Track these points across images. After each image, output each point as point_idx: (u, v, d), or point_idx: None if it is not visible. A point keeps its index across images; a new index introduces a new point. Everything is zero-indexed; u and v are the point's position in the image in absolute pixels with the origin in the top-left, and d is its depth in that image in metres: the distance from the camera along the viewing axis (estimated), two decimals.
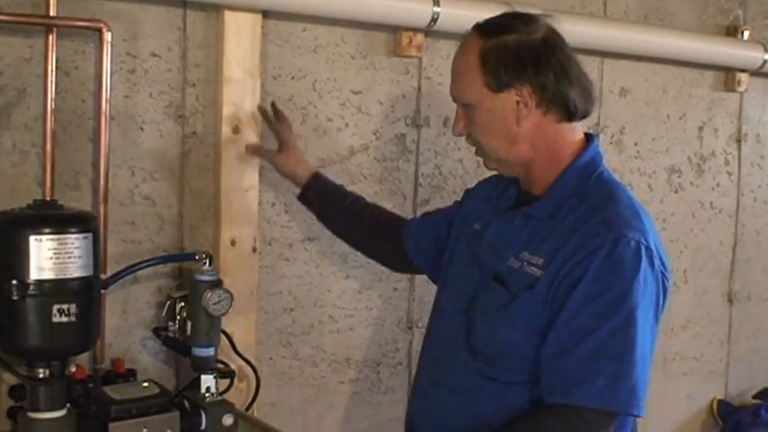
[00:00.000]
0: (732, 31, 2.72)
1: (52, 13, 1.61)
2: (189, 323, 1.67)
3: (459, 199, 1.85)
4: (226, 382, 1.72)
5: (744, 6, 2.76)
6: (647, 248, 1.46)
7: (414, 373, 1.78)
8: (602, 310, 1.43)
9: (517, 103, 1.51)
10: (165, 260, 1.77)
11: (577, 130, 1.58)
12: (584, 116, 1.57)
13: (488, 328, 1.54)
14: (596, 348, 1.42)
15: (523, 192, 1.62)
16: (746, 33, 2.72)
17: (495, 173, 1.68)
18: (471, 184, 2.21)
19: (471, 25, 1.57)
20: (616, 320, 1.42)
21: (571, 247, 1.46)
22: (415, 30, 2.04)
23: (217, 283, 1.65)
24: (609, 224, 1.46)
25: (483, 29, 1.55)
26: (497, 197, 1.68)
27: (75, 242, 1.37)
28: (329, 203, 1.89)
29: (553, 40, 1.53)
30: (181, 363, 1.83)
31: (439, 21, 1.99)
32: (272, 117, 1.87)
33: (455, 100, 1.60)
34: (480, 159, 1.63)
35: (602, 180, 1.57)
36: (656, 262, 1.48)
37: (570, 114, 1.54)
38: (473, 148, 2.20)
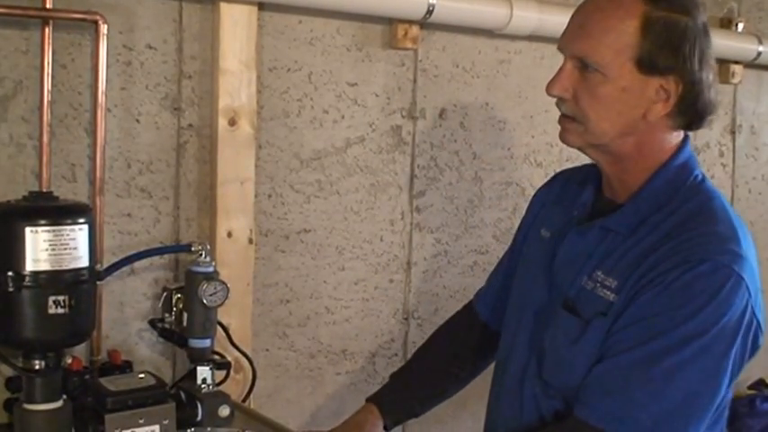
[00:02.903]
0: (726, 24, 2.73)
1: (48, 5, 1.61)
2: (185, 315, 1.68)
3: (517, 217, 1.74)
4: (222, 373, 1.72)
5: None
6: (738, 278, 1.23)
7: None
8: (649, 330, 1.23)
9: (657, 93, 1.29)
10: (161, 252, 1.78)
11: (681, 133, 1.37)
12: (707, 125, 1.38)
13: (562, 363, 1.35)
14: (627, 366, 1.25)
15: (601, 196, 1.42)
16: (741, 25, 2.72)
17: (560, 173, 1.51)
18: (467, 176, 2.25)
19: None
20: (658, 345, 1.23)
21: (647, 265, 1.26)
22: (411, 22, 2.04)
23: (213, 275, 1.66)
24: (697, 244, 1.25)
25: None
26: (570, 201, 1.48)
27: (71, 234, 1.37)
28: (416, 402, 1.68)
29: (710, 32, 1.32)
30: (177, 354, 1.84)
31: (434, 13, 1.99)
32: None
33: (571, 54, 1.33)
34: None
35: (697, 189, 1.35)
36: (746, 296, 1.24)
37: (699, 122, 1.35)
38: (470, 141, 2.24)
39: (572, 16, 1.36)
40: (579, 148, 1.39)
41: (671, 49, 1.27)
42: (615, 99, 1.29)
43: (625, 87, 1.28)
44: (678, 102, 1.30)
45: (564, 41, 1.35)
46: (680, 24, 1.27)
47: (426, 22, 2.05)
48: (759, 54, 2.68)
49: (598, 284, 1.32)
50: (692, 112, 1.32)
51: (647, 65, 1.27)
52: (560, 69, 1.34)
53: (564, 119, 1.37)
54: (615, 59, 1.27)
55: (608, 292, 1.30)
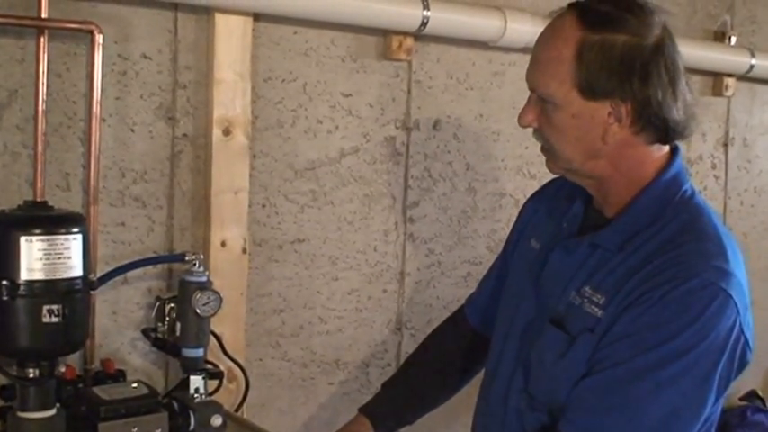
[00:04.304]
0: (720, 37, 2.75)
1: (44, 15, 1.62)
2: (178, 324, 1.68)
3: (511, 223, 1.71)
4: (215, 382, 1.72)
5: (731, 12, 2.79)
6: (726, 296, 1.22)
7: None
8: (635, 347, 1.23)
9: (609, 115, 1.28)
10: (154, 261, 1.78)
11: (665, 146, 1.35)
12: (682, 138, 1.34)
13: (548, 378, 1.36)
14: (612, 383, 1.25)
15: (591, 209, 1.42)
16: (734, 39, 2.75)
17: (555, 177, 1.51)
18: (461, 187, 2.25)
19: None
20: (643, 362, 1.22)
21: (635, 282, 1.26)
22: (405, 33, 2.05)
23: (206, 285, 1.66)
24: (684, 261, 1.24)
25: (586, 15, 1.28)
26: (561, 213, 1.47)
27: (65, 243, 1.37)
28: (407, 410, 1.70)
29: (666, 47, 1.28)
30: (170, 364, 1.84)
31: (429, 25, 2.00)
32: None
33: (529, 87, 1.36)
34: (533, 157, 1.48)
35: (686, 204, 1.33)
36: (734, 313, 1.23)
37: (667, 138, 1.32)
38: (464, 152, 2.25)
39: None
40: (561, 175, 1.42)
41: (607, 72, 1.26)
42: (570, 126, 1.30)
43: (575, 114, 1.29)
44: (634, 121, 1.28)
45: (526, 74, 1.37)
46: (616, 46, 1.26)
47: (421, 34, 2.06)
48: (752, 67, 2.70)
49: (586, 300, 1.31)
50: (652, 129, 1.30)
51: (588, 91, 1.27)
52: (526, 101, 1.37)
53: (541, 148, 1.39)
54: (559, 89, 1.29)
55: (595, 308, 1.29)
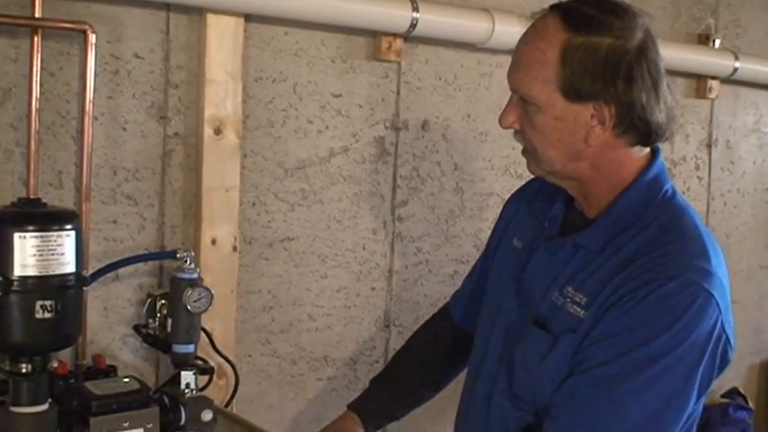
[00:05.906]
0: (704, 40, 2.79)
1: (38, 14, 1.63)
2: (169, 320, 1.69)
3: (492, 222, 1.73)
4: (205, 378, 1.74)
5: (715, 15, 2.82)
6: (708, 295, 1.23)
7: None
8: (618, 348, 1.23)
9: (592, 117, 1.28)
10: (146, 258, 1.80)
11: (646, 147, 1.35)
12: (663, 140, 1.34)
13: (532, 378, 1.35)
14: (595, 383, 1.25)
15: (573, 209, 1.42)
16: (717, 42, 2.79)
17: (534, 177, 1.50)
18: (448, 187, 2.28)
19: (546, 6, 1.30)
20: (626, 362, 1.23)
21: (617, 282, 1.26)
22: (395, 35, 2.08)
23: (197, 281, 1.68)
24: (667, 261, 1.24)
25: (569, 17, 1.27)
26: (542, 212, 1.47)
27: (58, 240, 1.38)
28: (395, 406, 1.72)
29: (649, 50, 1.28)
30: (161, 360, 1.86)
31: (418, 26, 2.03)
32: None
33: (510, 88, 1.36)
34: (520, 160, 1.42)
35: (667, 205, 1.34)
36: (715, 313, 1.24)
37: (649, 140, 1.32)
38: (452, 152, 2.28)
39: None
40: (542, 177, 1.41)
41: (592, 74, 1.25)
42: (552, 128, 1.29)
43: (557, 116, 1.28)
44: (617, 123, 1.28)
45: (507, 75, 1.36)
46: (600, 49, 1.25)
47: (410, 36, 2.08)
48: (735, 70, 2.74)
49: (568, 300, 1.31)
50: (635, 131, 1.30)
51: (571, 93, 1.27)
52: (507, 102, 1.37)
53: (523, 150, 1.39)
54: (543, 91, 1.28)
55: (578, 309, 1.29)
